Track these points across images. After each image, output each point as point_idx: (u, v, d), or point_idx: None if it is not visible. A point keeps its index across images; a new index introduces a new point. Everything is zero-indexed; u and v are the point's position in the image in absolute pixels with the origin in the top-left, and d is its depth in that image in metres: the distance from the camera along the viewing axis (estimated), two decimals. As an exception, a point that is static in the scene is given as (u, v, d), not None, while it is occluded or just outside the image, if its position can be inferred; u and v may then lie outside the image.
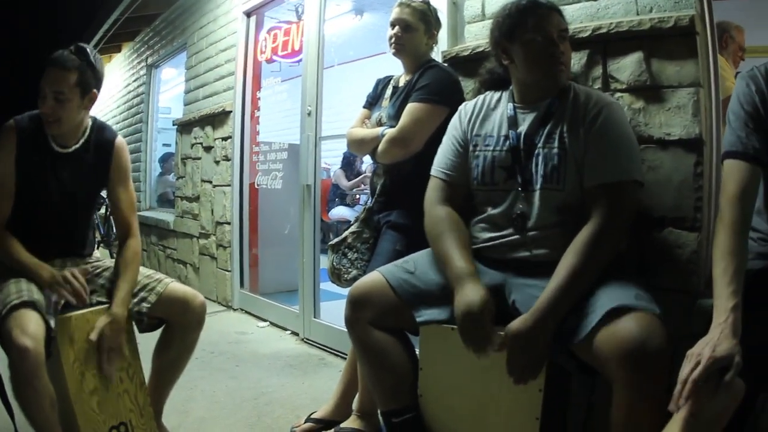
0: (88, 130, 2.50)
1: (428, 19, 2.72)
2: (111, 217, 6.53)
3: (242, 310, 5.32)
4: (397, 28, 2.69)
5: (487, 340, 1.85)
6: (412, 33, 2.68)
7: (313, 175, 4.32)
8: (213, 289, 5.64)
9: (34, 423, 2.07)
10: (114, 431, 2.29)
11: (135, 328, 2.42)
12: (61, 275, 2.25)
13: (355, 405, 2.74)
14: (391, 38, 2.71)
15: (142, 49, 8.39)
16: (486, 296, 1.88)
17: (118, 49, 10.03)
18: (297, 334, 4.44)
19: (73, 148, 2.46)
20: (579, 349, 1.78)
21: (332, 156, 8.69)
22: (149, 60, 8.08)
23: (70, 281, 2.25)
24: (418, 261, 2.18)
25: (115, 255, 2.55)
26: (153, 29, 7.94)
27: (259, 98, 5.38)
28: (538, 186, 2.00)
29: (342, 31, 5.71)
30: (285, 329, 4.63)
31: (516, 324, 1.80)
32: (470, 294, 1.89)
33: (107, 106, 10.25)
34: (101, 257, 2.67)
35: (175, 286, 2.46)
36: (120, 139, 2.58)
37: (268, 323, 4.86)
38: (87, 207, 2.61)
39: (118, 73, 9.93)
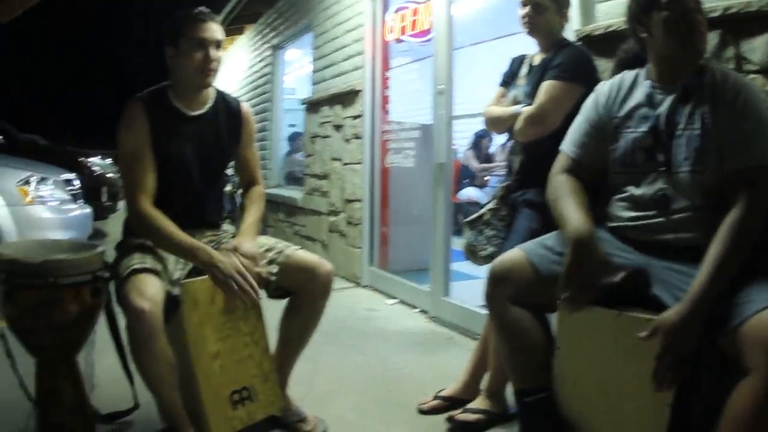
0: (214, 96, 2.56)
1: None
2: (235, 195, 6.71)
3: (371, 287, 5.40)
4: (528, 8, 2.66)
5: (601, 272, 1.89)
6: (543, 12, 2.65)
7: (445, 153, 4.34)
8: (342, 266, 5.71)
9: (150, 386, 2.14)
10: (236, 395, 2.29)
11: (263, 292, 2.42)
12: (233, 268, 2.26)
13: (484, 384, 2.75)
14: (523, 18, 2.69)
15: (266, 30, 8.60)
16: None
17: (241, 32, 10.33)
18: (426, 313, 4.47)
19: (203, 110, 2.52)
20: (722, 338, 1.73)
21: (461, 137, 8.64)
22: (274, 41, 8.27)
23: (236, 278, 2.26)
24: (558, 239, 2.15)
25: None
26: (276, 11, 8.12)
27: (388, 78, 5.41)
28: (682, 168, 1.95)
29: (472, 12, 5.67)
30: (414, 307, 4.67)
31: (671, 315, 1.74)
32: (582, 229, 1.95)
33: (233, 87, 10.58)
34: (228, 229, 2.70)
35: (302, 254, 2.47)
36: (245, 105, 2.68)
37: (397, 301, 4.91)
38: (219, 172, 2.65)
39: (242, 54, 10.25)
